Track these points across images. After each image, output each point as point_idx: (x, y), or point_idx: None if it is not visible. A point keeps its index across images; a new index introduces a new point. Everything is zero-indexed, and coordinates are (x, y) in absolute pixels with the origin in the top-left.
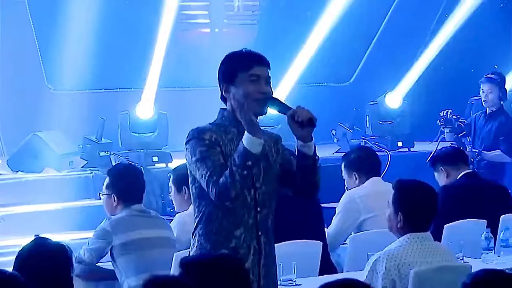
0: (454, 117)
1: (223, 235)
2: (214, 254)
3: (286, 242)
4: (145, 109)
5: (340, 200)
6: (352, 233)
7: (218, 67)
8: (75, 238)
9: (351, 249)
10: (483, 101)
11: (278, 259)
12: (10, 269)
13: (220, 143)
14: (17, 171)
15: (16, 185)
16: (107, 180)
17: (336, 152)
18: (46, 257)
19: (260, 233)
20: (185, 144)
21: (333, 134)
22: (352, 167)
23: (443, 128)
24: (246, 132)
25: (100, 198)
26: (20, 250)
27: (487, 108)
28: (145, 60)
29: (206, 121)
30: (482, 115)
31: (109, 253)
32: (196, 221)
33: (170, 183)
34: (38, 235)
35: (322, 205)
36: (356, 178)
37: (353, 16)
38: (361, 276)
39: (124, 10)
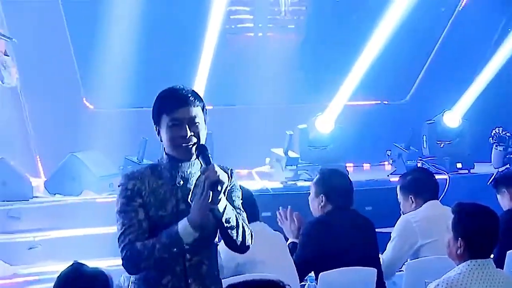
0: (508, 134)
1: (151, 283)
2: (259, 279)
3: (339, 269)
4: None
5: (396, 225)
6: (408, 259)
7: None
8: (115, 264)
9: (407, 277)
10: None
11: (331, 286)
12: None
13: (142, 194)
14: (54, 194)
15: (53, 209)
16: None
17: (391, 174)
18: (84, 283)
19: (189, 280)
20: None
21: (388, 154)
22: (408, 190)
23: (496, 146)
24: (186, 221)
25: None
26: (58, 276)
27: None
28: (189, 77)
29: (249, 140)
30: None
31: None
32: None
33: None
34: (76, 261)
35: (377, 230)
36: (412, 202)
37: (409, 29)
38: None
39: (165, 26)
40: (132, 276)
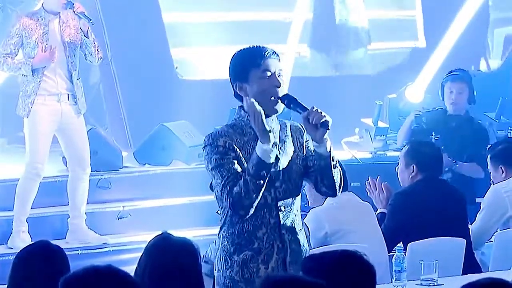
0: None
1: (245, 238)
2: (338, 252)
3: (428, 239)
4: None
5: (486, 195)
6: (498, 229)
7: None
8: (203, 234)
9: (497, 247)
10: None
11: (420, 256)
12: (133, 267)
13: (235, 148)
14: (144, 164)
15: (143, 179)
16: None
17: None
18: (173, 253)
19: (284, 231)
20: (203, 148)
21: None
22: (498, 160)
23: None
24: (259, 141)
25: None
26: (146, 246)
27: None
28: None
29: (339, 110)
30: None
31: None
32: (221, 223)
33: None
34: (165, 231)
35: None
36: (502, 172)
37: None
38: (507, 275)
39: None
40: (223, 231)
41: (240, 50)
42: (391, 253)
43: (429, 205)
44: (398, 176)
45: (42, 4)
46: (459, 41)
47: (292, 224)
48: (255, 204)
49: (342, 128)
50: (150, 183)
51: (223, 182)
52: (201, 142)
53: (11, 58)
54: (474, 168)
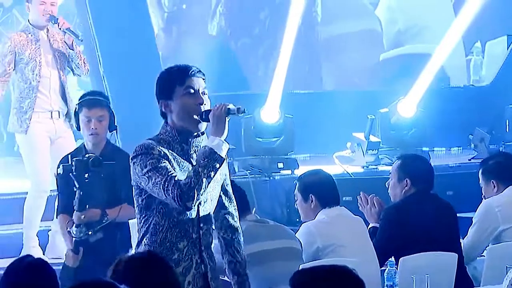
0: None
1: (167, 247)
2: (328, 266)
3: (420, 254)
4: (270, 113)
5: (477, 210)
6: (490, 244)
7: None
8: None
9: (488, 262)
10: None
11: (412, 271)
12: None
13: (168, 158)
14: None
15: None
16: None
17: (473, 158)
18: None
19: (203, 247)
20: (132, 159)
21: (470, 138)
22: (490, 174)
23: None
24: (211, 136)
25: None
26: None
27: None
28: (270, 61)
29: (331, 125)
30: None
31: None
32: (142, 232)
33: (296, 191)
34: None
35: (458, 214)
36: (494, 186)
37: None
38: None
39: (247, 10)
40: (145, 238)
41: (166, 68)
42: (382, 268)
43: (421, 220)
44: (389, 191)
45: (28, 20)
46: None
47: (208, 242)
48: (200, 197)
49: (334, 143)
50: None
51: (165, 178)
52: None
53: (3, 84)
54: None
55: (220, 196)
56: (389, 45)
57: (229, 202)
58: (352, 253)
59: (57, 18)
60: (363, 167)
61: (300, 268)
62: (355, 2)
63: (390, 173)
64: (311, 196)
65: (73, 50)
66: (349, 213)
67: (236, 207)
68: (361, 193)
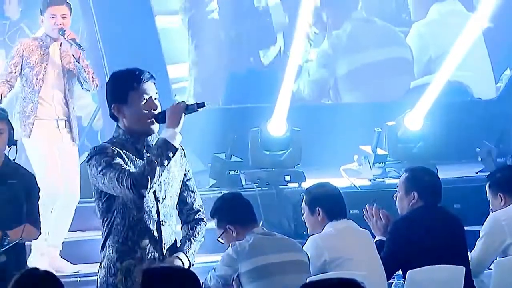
0: None
1: (129, 245)
2: (336, 279)
3: (427, 267)
4: (277, 126)
5: (485, 223)
6: (497, 257)
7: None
8: (202, 261)
9: (496, 275)
10: None
11: (419, 284)
12: None
13: (122, 156)
14: None
15: None
16: (216, 219)
17: (480, 171)
18: (175, 283)
19: (164, 244)
20: (88, 162)
21: (477, 152)
22: (497, 188)
23: None
24: (165, 128)
25: None
26: (143, 275)
27: None
28: (276, 74)
29: (338, 138)
30: None
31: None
32: (105, 235)
33: (303, 204)
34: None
35: (466, 227)
36: (501, 199)
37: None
38: None
39: (256, 23)
40: (109, 239)
41: (118, 71)
42: (390, 281)
43: (428, 233)
44: (397, 204)
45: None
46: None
47: (170, 239)
48: (154, 185)
49: (341, 156)
50: None
51: (119, 171)
52: (200, 169)
53: (7, 87)
54: None
55: (181, 192)
56: (420, 73)
57: (192, 198)
58: (359, 266)
59: (64, 30)
60: (370, 180)
61: (307, 281)
62: (386, 30)
63: (397, 186)
64: (318, 209)
65: (79, 63)
66: (356, 226)
67: (201, 202)
68: (366, 206)
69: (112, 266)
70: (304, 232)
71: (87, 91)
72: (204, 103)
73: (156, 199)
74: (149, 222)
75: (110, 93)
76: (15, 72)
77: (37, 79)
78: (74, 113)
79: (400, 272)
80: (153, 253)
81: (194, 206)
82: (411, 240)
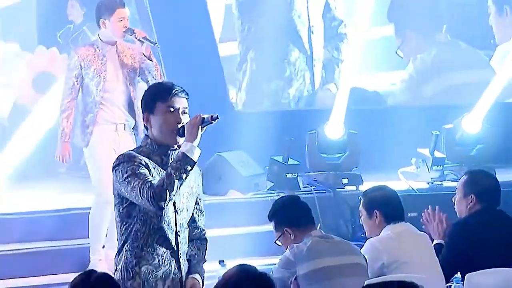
0: None
1: (148, 252)
2: (395, 282)
3: (486, 270)
4: (334, 128)
5: None
6: None
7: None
8: (261, 264)
9: None
10: None
11: (478, 287)
12: None
13: (149, 167)
14: None
15: None
16: (273, 221)
17: None
18: (253, 285)
19: (180, 254)
20: (114, 168)
21: None
22: None
23: None
24: (184, 142)
25: None
26: (222, 276)
27: None
28: (331, 78)
29: (395, 141)
30: None
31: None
32: (123, 240)
33: (361, 207)
34: (223, 261)
35: None
36: None
37: None
38: None
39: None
40: (127, 245)
41: (154, 84)
42: (448, 284)
43: (487, 236)
44: (455, 207)
45: (99, 34)
46: None
47: (185, 249)
48: (173, 198)
49: (399, 158)
50: (206, 213)
51: (142, 181)
52: (257, 172)
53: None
54: None
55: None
56: (505, 94)
57: (199, 216)
58: (417, 269)
59: (133, 30)
60: (428, 183)
61: (366, 284)
62: (469, 52)
63: (455, 188)
64: (375, 212)
65: (151, 61)
66: (414, 229)
67: (204, 222)
68: (429, 207)
69: (130, 270)
70: (362, 235)
71: None
72: (217, 115)
73: (175, 210)
74: (168, 231)
75: (143, 102)
76: (76, 84)
77: (97, 89)
78: (139, 113)
79: (458, 275)
80: (170, 261)
81: (200, 225)
82: (469, 243)
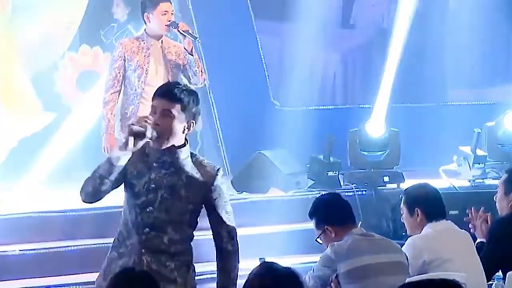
0: None
1: (120, 240)
2: (437, 280)
3: None
4: (375, 126)
5: None
6: None
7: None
8: (302, 262)
9: None
10: None
11: None
12: None
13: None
14: (241, 192)
15: (240, 206)
16: (314, 219)
17: None
18: (279, 283)
19: (143, 251)
20: None
21: None
22: None
23: None
24: (117, 150)
25: None
26: (250, 274)
27: None
28: (376, 74)
29: (437, 139)
30: None
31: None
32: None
33: (402, 205)
34: (263, 258)
35: None
36: None
37: None
38: None
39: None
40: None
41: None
42: (490, 282)
43: None
44: (497, 204)
45: (145, 29)
46: None
47: (157, 248)
48: (90, 193)
49: (440, 156)
50: (247, 211)
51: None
52: (298, 170)
53: (111, 109)
54: None
55: (209, 217)
56: None
57: (217, 224)
58: (458, 267)
59: (177, 23)
60: (469, 181)
61: (408, 281)
62: None
63: (497, 186)
64: (417, 210)
65: (192, 55)
66: (456, 227)
67: (230, 230)
68: (472, 208)
69: (109, 252)
70: (403, 233)
71: (195, 85)
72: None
73: (144, 210)
74: (134, 225)
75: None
76: (119, 76)
77: (139, 81)
78: None
79: (500, 273)
80: (130, 254)
81: (219, 231)
82: (510, 240)
